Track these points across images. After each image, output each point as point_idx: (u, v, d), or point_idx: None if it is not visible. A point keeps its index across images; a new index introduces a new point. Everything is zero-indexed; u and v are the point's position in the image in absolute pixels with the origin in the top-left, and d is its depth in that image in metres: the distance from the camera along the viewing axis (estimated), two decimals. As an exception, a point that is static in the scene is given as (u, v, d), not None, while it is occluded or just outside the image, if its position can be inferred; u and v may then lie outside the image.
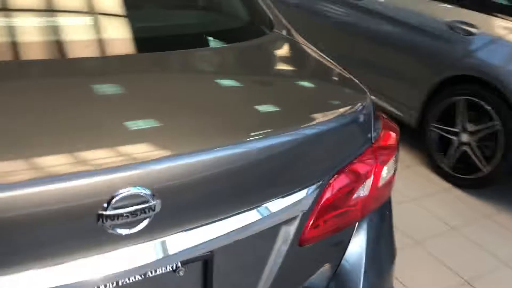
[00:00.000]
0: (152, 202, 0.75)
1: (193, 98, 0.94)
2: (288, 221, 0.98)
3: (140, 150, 0.76)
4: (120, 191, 0.72)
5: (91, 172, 0.70)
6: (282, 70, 1.19)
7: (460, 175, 3.11)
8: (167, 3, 1.30)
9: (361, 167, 1.10)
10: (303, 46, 1.31)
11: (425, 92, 3.25)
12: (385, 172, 1.20)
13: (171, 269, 0.84)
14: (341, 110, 1.07)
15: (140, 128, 0.80)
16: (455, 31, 3.04)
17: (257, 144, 0.89)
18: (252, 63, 1.18)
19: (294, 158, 0.95)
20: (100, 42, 1.00)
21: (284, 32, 1.37)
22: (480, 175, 3.01)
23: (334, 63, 1.28)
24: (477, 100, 2.95)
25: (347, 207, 1.09)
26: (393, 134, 1.23)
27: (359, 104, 1.11)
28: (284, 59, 1.25)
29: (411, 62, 3.33)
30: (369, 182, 1.13)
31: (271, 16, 1.40)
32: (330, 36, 4.05)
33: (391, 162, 1.23)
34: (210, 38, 1.23)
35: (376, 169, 1.15)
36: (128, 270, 0.78)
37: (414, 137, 3.60)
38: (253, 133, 0.89)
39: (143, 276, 0.82)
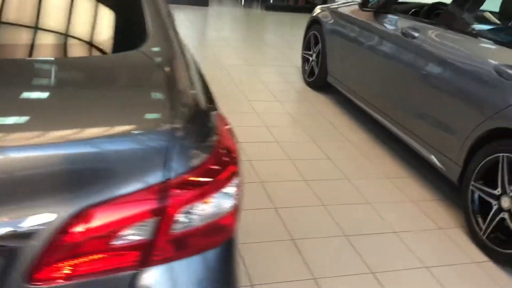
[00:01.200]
0: None
1: None
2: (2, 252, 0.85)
3: None
4: None
5: None
6: (93, 87, 1.06)
7: (496, 247, 2.58)
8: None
9: (135, 205, 0.92)
10: (158, 67, 1.16)
11: (468, 145, 2.80)
12: (197, 215, 1.00)
13: None
14: (108, 133, 0.92)
15: None
16: (502, 77, 2.59)
17: None
18: (69, 78, 1.09)
19: (11, 178, 0.83)
20: None
21: (158, 49, 1.24)
22: (519, 250, 2.47)
23: (172, 89, 1.09)
24: (522, 159, 2.46)
25: (108, 251, 0.92)
26: (218, 171, 1.03)
27: (144, 130, 0.95)
28: (110, 78, 1.12)
29: (456, 109, 2.91)
30: (152, 224, 0.95)
31: (150, 32, 1.28)
32: (374, 72, 3.77)
33: (217, 203, 1.04)
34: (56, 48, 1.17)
35: (170, 210, 0.96)
36: None
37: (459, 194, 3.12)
38: None
39: None
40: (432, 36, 3.23)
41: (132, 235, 0.93)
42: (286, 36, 8.02)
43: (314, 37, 5.03)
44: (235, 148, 1.16)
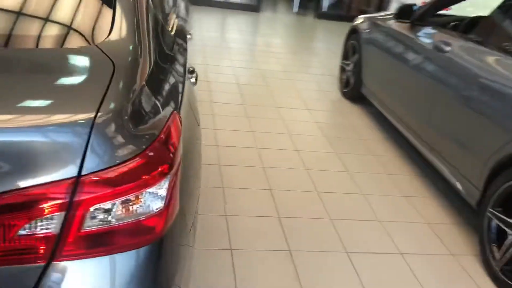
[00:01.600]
0: None
1: None
2: None
3: None
4: None
5: None
6: (29, 80, 1.07)
7: (509, 281, 2.39)
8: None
9: (43, 198, 0.92)
10: (108, 63, 1.15)
11: (489, 168, 2.62)
12: (116, 213, 0.99)
13: None
14: (22, 123, 0.92)
15: None
16: (528, 98, 2.41)
17: None
18: (8, 69, 1.10)
19: None
20: None
21: (116, 45, 1.24)
22: (532, 287, 2.28)
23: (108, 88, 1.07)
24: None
25: (12, 242, 0.92)
26: (145, 171, 1.01)
27: (62, 124, 0.94)
28: (52, 72, 1.12)
29: (478, 129, 2.74)
30: (61, 219, 0.94)
31: (115, 28, 1.28)
32: (402, 85, 3.62)
33: (142, 203, 1.02)
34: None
35: (82, 206, 0.95)
36: None
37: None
38: None
39: None
40: (463, 51, 3.06)
41: (39, 227, 0.93)
42: (332, 45, 7.90)
43: (352, 47, 4.92)
44: (174, 150, 1.13)
